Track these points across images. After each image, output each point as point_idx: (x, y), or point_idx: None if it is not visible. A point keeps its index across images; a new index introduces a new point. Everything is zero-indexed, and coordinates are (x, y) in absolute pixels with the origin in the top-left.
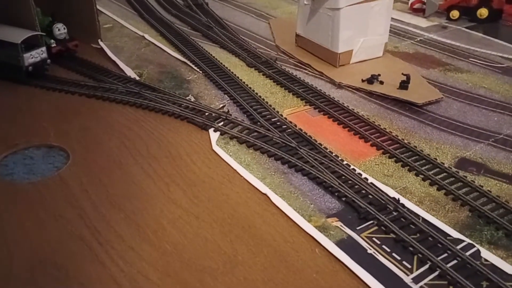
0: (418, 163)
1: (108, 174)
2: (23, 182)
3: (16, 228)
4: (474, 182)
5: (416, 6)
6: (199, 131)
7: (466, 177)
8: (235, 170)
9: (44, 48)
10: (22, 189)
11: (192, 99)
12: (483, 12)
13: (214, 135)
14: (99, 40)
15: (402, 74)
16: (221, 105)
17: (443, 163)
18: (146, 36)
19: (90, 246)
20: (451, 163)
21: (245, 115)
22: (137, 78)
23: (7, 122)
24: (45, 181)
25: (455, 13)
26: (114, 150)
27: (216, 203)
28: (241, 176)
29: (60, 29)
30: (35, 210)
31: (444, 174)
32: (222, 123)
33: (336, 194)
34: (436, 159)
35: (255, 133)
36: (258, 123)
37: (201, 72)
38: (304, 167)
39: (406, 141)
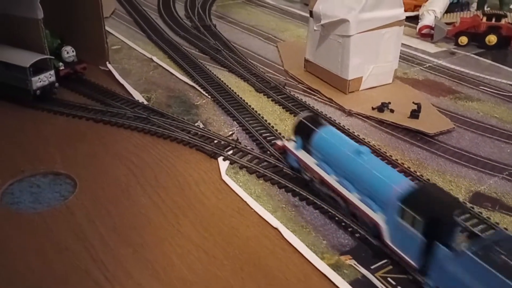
0: None
1: (115, 204)
2: (29, 211)
3: (21, 260)
4: (490, 219)
5: (424, 31)
6: (208, 160)
7: (481, 213)
8: (245, 201)
9: (52, 72)
10: (28, 219)
11: (201, 126)
12: (492, 39)
13: (223, 164)
14: (107, 63)
15: (413, 103)
16: (230, 133)
17: (458, 198)
18: (154, 58)
19: (97, 281)
20: (466, 198)
21: (255, 143)
22: (145, 102)
23: (13, 147)
24: (52, 211)
25: (463, 39)
26: (121, 179)
27: (226, 237)
28: (252, 209)
29: (68, 52)
30: (40, 241)
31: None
32: (231, 151)
33: (349, 230)
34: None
35: (265, 163)
36: (268, 152)
37: (209, 97)
38: (315, 200)
39: (419, 174)
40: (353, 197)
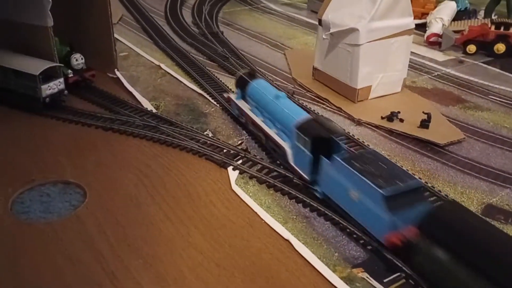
0: None
1: (125, 214)
2: (39, 221)
3: (32, 272)
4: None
5: (432, 39)
6: (218, 169)
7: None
8: (256, 212)
9: (61, 79)
10: (38, 230)
11: (210, 135)
12: (500, 48)
13: (233, 174)
14: (115, 70)
15: (423, 112)
16: (239, 142)
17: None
18: (162, 65)
19: None
20: (478, 210)
21: (264, 153)
22: (154, 110)
23: (23, 155)
24: (62, 221)
25: (471, 48)
26: (131, 188)
27: (237, 249)
28: (262, 220)
29: (77, 59)
30: (51, 252)
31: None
32: (240, 161)
33: (361, 242)
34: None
35: (275, 173)
36: (277, 161)
37: (218, 105)
38: (326, 211)
39: (430, 185)
40: (271, 132)
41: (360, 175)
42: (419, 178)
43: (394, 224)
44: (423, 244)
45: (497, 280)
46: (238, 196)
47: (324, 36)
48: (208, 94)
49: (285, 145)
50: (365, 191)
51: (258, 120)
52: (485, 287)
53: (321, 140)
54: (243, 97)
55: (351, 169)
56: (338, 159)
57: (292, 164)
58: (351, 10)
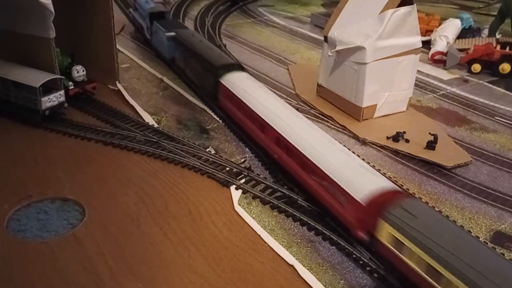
0: None
1: (125, 234)
2: (36, 240)
3: None
4: None
5: (437, 57)
6: (220, 188)
7: (503, 254)
8: (259, 235)
9: (62, 92)
10: (35, 249)
11: (212, 152)
12: (505, 67)
13: (236, 193)
14: (117, 82)
15: (430, 134)
16: (243, 160)
17: (478, 237)
18: (164, 78)
19: None
20: (487, 237)
21: (267, 172)
22: (155, 125)
23: (21, 169)
24: (59, 241)
25: (476, 67)
26: (131, 207)
27: (240, 275)
28: (266, 243)
29: (79, 71)
30: (48, 274)
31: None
32: (243, 180)
33: (368, 268)
34: (471, 232)
35: (279, 193)
36: (281, 181)
37: (221, 120)
38: (332, 235)
39: (437, 209)
40: (141, 20)
41: (159, 25)
42: (426, 202)
43: (168, 39)
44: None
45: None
46: (241, 217)
47: (329, 53)
48: (210, 109)
49: (144, 25)
50: (161, 33)
51: (136, 15)
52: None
53: (156, 14)
54: (135, 8)
55: (158, 24)
56: (156, 23)
57: (150, 40)
58: (358, 27)
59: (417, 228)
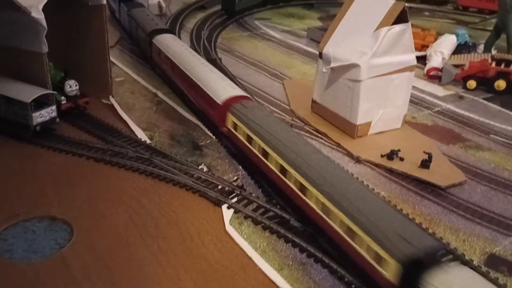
0: (445, 258)
1: (113, 256)
2: (22, 261)
3: None
4: (506, 286)
5: (432, 73)
6: (212, 207)
7: (497, 278)
8: (250, 257)
9: (54, 107)
10: (20, 271)
11: (205, 169)
12: (501, 84)
13: (227, 213)
14: (110, 96)
15: (424, 152)
16: (235, 178)
17: (472, 260)
18: (159, 93)
19: None
20: (481, 260)
21: (260, 190)
22: (148, 141)
23: (9, 187)
24: (46, 263)
25: (472, 83)
26: (121, 226)
27: None
28: (256, 265)
29: (71, 86)
30: None
31: None
32: (236, 199)
33: None
34: (464, 255)
35: (271, 213)
36: (274, 200)
37: (214, 137)
38: (323, 258)
39: (431, 231)
40: (112, 4)
41: (124, 5)
42: (420, 223)
43: (127, 15)
44: None
45: None
46: (232, 238)
47: (324, 70)
48: (204, 124)
49: (115, 7)
50: (123, 11)
51: (111, 2)
52: None
53: None
54: None
55: (123, 4)
56: (122, 4)
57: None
58: (352, 45)
59: (247, 115)
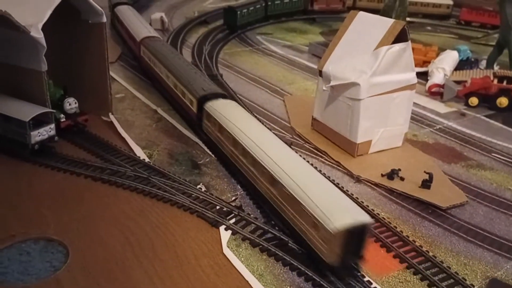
0: (446, 282)
1: (109, 279)
2: (16, 284)
3: None
4: None
5: (434, 90)
6: (209, 229)
7: None
8: (247, 281)
9: (52, 125)
10: None
11: (203, 189)
12: (503, 101)
13: (225, 234)
14: (110, 114)
15: (425, 172)
16: (233, 198)
17: (473, 286)
18: (159, 110)
19: None
20: (482, 285)
21: (259, 211)
22: (147, 159)
23: (5, 207)
24: (41, 286)
25: (474, 100)
26: (117, 248)
27: None
28: None
29: (71, 104)
30: None
31: None
32: (234, 220)
33: None
34: (465, 280)
35: (269, 235)
36: (272, 222)
37: (213, 155)
38: (322, 282)
39: (431, 254)
40: None
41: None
42: (420, 246)
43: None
44: None
45: None
46: (229, 261)
47: (324, 88)
48: (203, 142)
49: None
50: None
51: None
52: None
53: None
54: None
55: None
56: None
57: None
58: (352, 63)
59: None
